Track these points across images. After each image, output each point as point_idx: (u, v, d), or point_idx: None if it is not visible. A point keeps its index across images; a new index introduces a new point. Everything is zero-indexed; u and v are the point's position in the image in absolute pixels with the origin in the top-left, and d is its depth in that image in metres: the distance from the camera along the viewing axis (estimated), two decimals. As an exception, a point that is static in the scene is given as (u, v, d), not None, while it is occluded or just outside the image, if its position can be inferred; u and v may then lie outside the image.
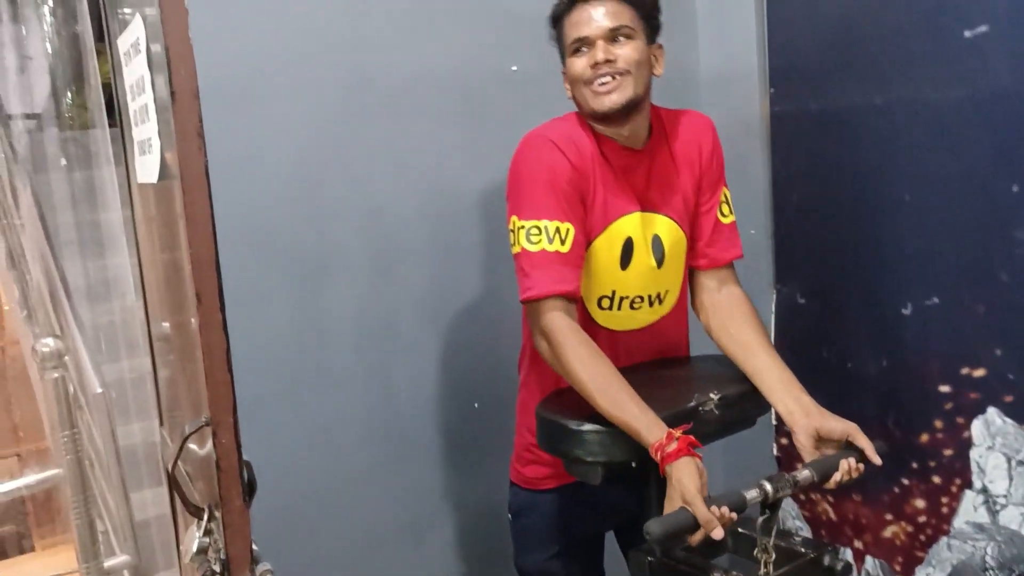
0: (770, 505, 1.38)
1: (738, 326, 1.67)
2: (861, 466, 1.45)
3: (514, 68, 2.12)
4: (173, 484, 1.10)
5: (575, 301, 1.57)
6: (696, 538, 1.32)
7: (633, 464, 1.48)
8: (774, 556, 1.41)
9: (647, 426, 1.41)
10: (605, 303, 1.66)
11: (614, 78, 1.56)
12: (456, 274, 2.12)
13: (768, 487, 1.36)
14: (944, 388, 1.92)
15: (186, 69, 1.01)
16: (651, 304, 1.69)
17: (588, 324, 1.64)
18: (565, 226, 1.53)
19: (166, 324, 1.51)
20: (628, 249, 1.63)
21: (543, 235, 1.53)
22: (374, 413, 2.06)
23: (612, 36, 1.56)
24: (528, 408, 1.71)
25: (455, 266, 2.11)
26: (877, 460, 1.46)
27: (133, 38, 1.25)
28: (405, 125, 2.02)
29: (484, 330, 2.07)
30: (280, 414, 1.93)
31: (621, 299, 1.66)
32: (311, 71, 1.90)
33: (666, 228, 1.67)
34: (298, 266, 1.94)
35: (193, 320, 1.06)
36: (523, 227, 1.55)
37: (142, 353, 1.84)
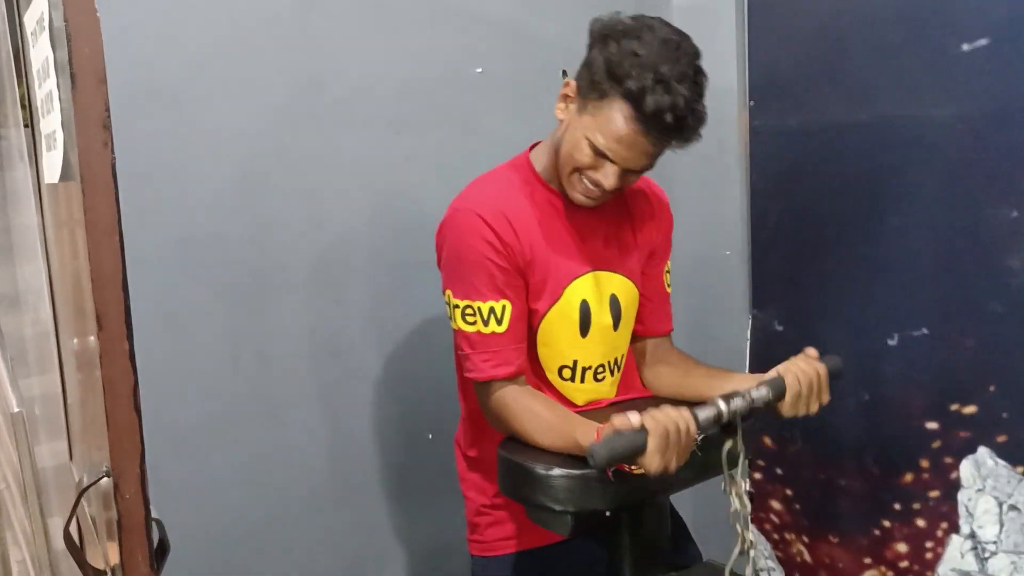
0: (727, 427, 1.33)
1: (674, 361, 1.68)
2: (821, 366, 1.43)
3: (479, 70, 2.03)
4: (69, 546, 0.92)
5: (521, 375, 1.51)
6: (651, 462, 1.23)
7: (607, 513, 1.35)
8: (745, 486, 1.36)
9: (584, 434, 1.34)
10: (566, 373, 1.58)
11: (603, 193, 1.47)
12: (409, 294, 2.02)
13: (722, 404, 1.31)
14: (931, 425, 1.83)
15: (90, 47, 0.84)
16: (612, 373, 1.63)
17: (551, 396, 1.57)
18: (500, 304, 1.47)
19: (76, 341, 1.35)
20: (586, 314, 1.55)
21: (478, 317, 1.47)
22: (316, 445, 1.96)
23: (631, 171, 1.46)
24: (467, 479, 1.68)
25: (409, 285, 2.01)
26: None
27: (38, 13, 1.07)
28: (357, 131, 1.93)
29: (439, 355, 1.95)
30: (211, 446, 1.82)
31: (584, 369, 1.58)
32: (254, 69, 1.81)
33: (623, 287, 1.61)
34: (234, 283, 1.83)
35: (93, 345, 0.89)
36: (457, 306, 1.49)
37: (53, 369, 1.70)
